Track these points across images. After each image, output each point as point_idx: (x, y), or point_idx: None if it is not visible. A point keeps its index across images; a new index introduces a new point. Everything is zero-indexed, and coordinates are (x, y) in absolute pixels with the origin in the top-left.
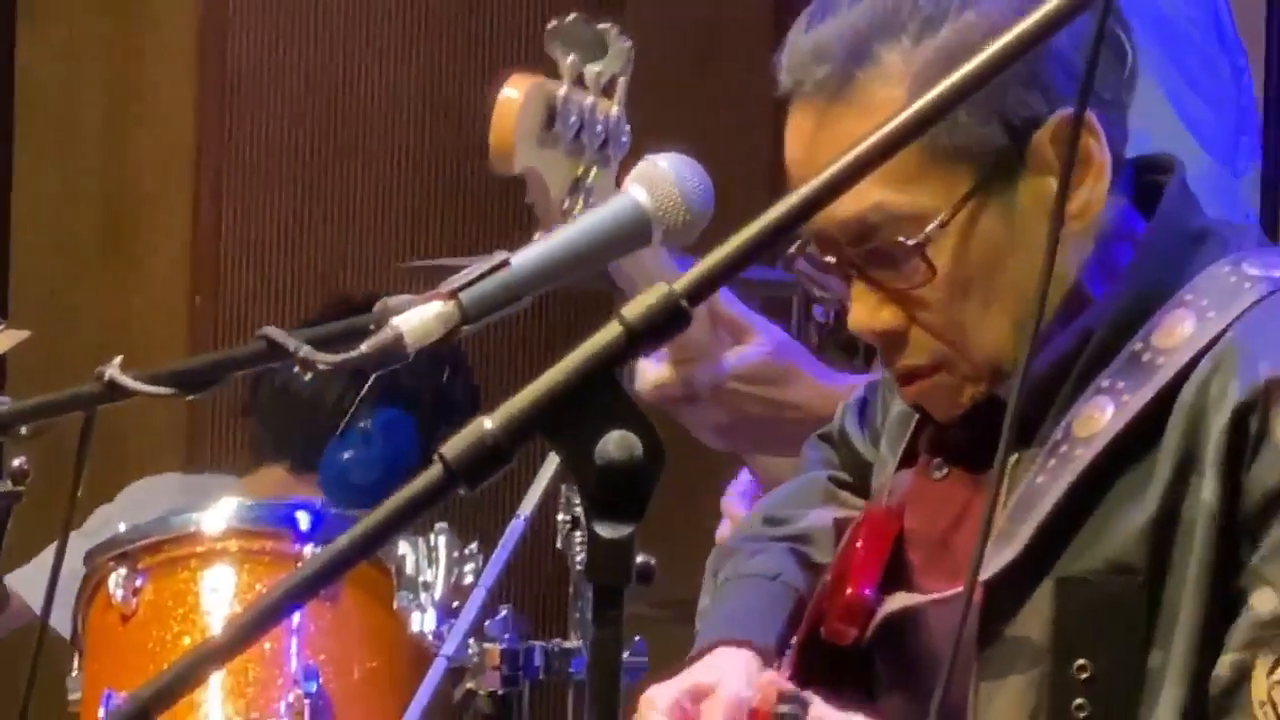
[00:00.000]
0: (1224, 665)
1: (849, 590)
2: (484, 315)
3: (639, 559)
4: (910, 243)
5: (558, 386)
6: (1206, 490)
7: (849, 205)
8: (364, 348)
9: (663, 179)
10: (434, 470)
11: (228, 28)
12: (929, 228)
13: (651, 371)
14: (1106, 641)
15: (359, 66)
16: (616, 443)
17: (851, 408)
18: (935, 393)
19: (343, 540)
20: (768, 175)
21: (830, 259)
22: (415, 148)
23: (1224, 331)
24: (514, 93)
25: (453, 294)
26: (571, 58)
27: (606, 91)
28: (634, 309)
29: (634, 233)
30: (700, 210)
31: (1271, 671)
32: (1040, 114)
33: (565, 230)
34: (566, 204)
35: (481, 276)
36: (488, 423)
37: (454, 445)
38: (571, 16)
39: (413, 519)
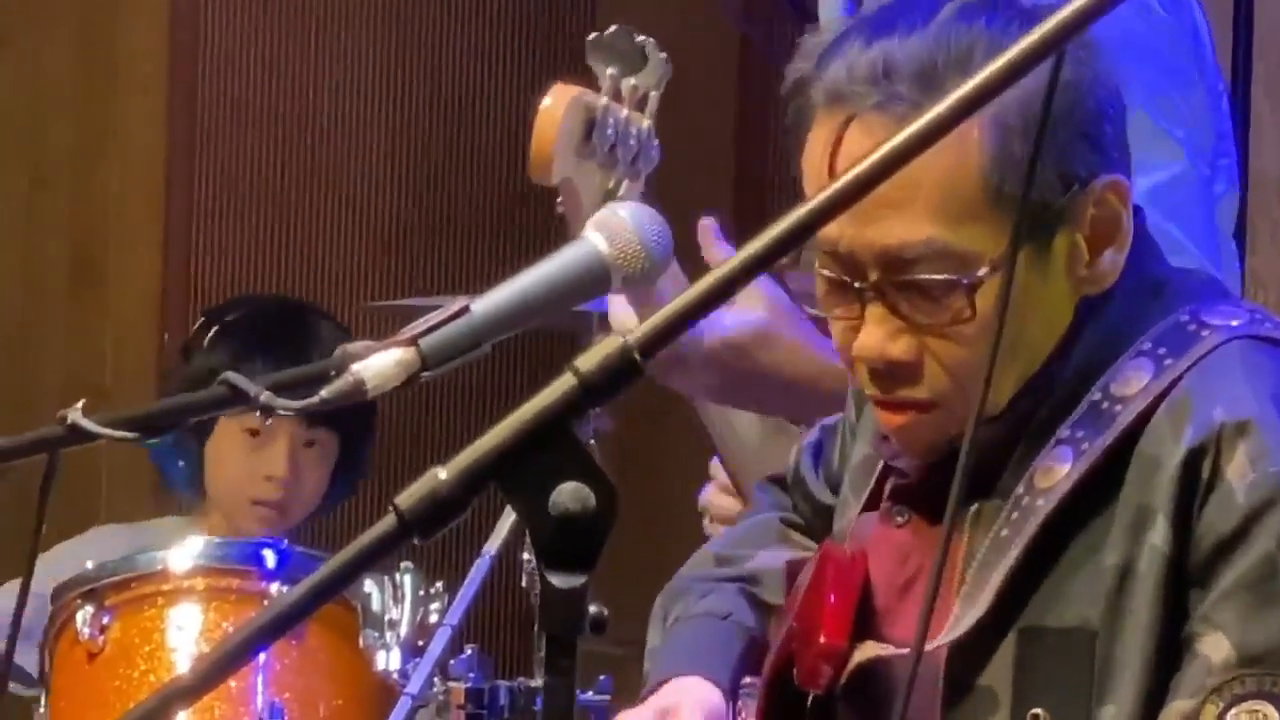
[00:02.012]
0: (1173, 713)
1: (823, 639)
2: (444, 362)
3: (592, 608)
4: (964, 280)
5: (511, 438)
6: (1158, 536)
7: (896, 233)
8: (324, 394)
9: (622, 227)
10: (388, 520)
11: (198, 62)
12: (981, 270)
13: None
14: (1059, 691)
15: (330, 102)
16: (570, 494)
17: (807, 450)
18: (923, 429)
19: (300, 589)
20: (731, 211)
21: (849, 280)
22: (387, 183)
23: (1179, 379)
24: (555, 103)
25: (413, 340)
26: (611, 70)
27: (639, 106)
28: (588, 360)
29: (593, 280)
30: (660, 258)
31: (1219, 719)
32: (1093, 174)
33: (524, 277)
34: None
35: (442, 323)
36: (441, 473)
37: (408, 496)
38: (613, 28)
39: (368, 567)
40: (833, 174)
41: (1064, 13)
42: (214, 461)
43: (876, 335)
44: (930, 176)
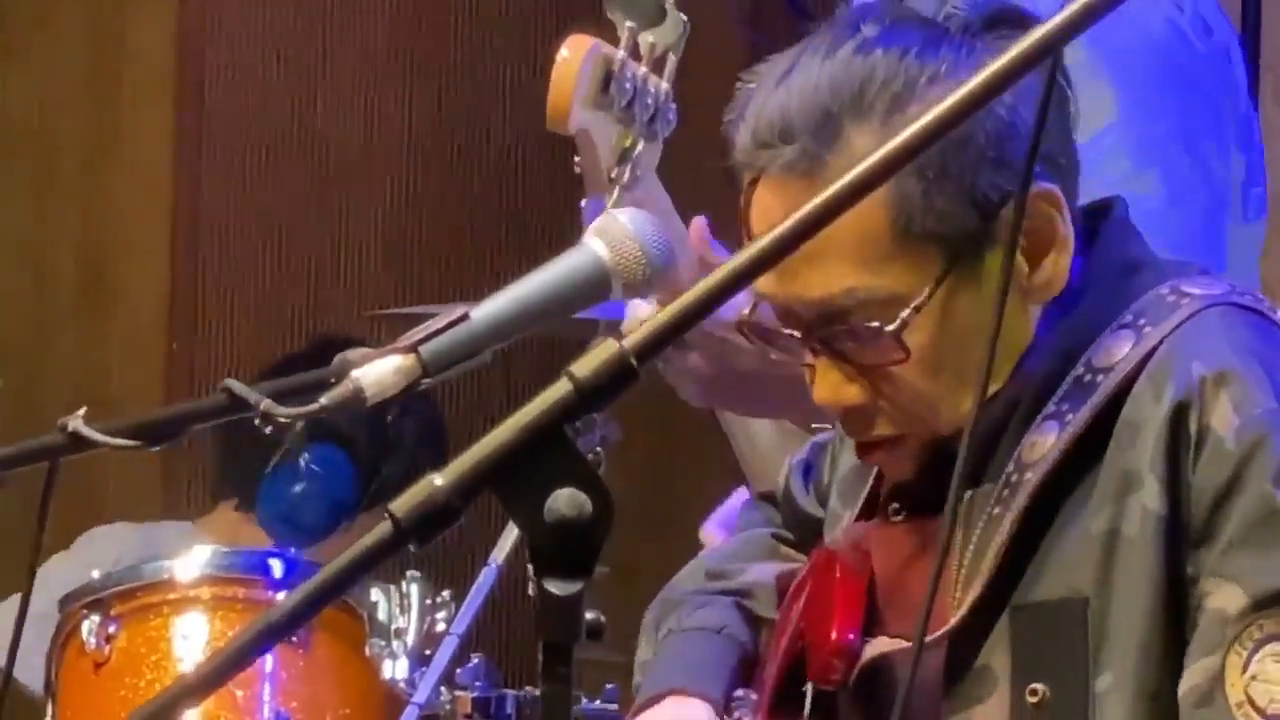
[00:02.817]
0: (1196, 673)
1: (834, 635)
2: (444, 369)
3: (589, 615)
4: (888, 328)
5: (507, 444)
6: (1149, 497)
7: (819, 286)
8: (324, 400)
9: (622, 233)
10: (384, 527)
11: (205, 70)
12: (904, 313)
13: (644, 310)
14: (1056, 665)
15: (338, 109)
16: (566, 500)
17: (797, 468)
18: (901, 458)
19: (295, 596)
20: (735, 217)
21: (794, 333)
22: (395, 192)
23: (1158, 345)
24: (572, 53)
25: (412, 347)
26: (629, 24)
27: (657, 66)
28: (584, 366)
29: (593, 286)
30: (660, 264)
31: (1244, 669)
32: (1009, 191)
33: (524, 284)
34: (614, 172)
35: (441, 330)
36: (437, 480)
37: (403, 502)
38: None
39: (365, 574)
40: (749, 235)
41: (963, 88)
42: None
43: (828, 384)
44: (840, 227)
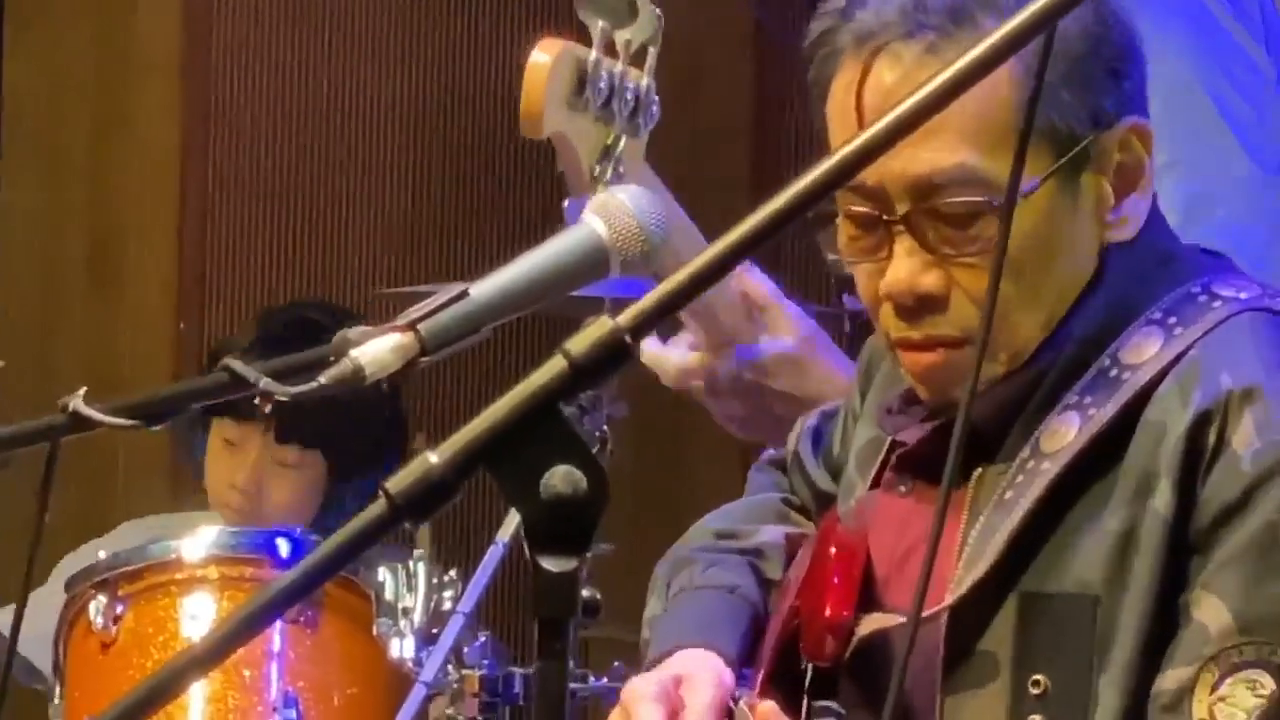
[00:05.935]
0: (1168, 680)
1: (828, 612)
2: (443, 346)
3: (585, 593)
4: (995, 202)
5: (502, 421)
6: (1160, 501)
7: (927, 160)
8: (322, 379)
9: (621, 210)
10: (379, 504)
11: (211, 50)
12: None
13: (676, 358)
14: (1061, 658)
15: (344, 88)
16: (561, 477)
17: (805, 435)
18: (952, 369)
19: (292, 574)
20: (747, 199)
21: (877, 213)
22: (400, 172)
23: (1188, 349)
24: (543, 56)
25: (411, 325)
26: (601, 24)
27: (636, 61)
28: (578, 343)
29: (592, 264)
30: (659, 242)
31: (1214, 689)
32: (1120, 114)
33: (523, 261)
34: (596, 171)
35: (440, 308)
36: (432, 457)
37: (399, 479)
38: None
39: (361, 551)
40: (860, 108)
41: None
42: (206, 460)
43: (906, 268)
44: (960, 104)
